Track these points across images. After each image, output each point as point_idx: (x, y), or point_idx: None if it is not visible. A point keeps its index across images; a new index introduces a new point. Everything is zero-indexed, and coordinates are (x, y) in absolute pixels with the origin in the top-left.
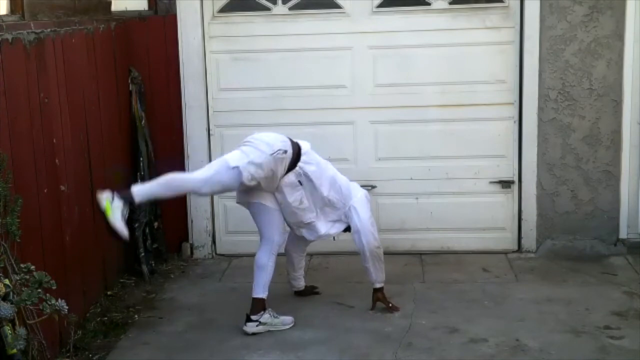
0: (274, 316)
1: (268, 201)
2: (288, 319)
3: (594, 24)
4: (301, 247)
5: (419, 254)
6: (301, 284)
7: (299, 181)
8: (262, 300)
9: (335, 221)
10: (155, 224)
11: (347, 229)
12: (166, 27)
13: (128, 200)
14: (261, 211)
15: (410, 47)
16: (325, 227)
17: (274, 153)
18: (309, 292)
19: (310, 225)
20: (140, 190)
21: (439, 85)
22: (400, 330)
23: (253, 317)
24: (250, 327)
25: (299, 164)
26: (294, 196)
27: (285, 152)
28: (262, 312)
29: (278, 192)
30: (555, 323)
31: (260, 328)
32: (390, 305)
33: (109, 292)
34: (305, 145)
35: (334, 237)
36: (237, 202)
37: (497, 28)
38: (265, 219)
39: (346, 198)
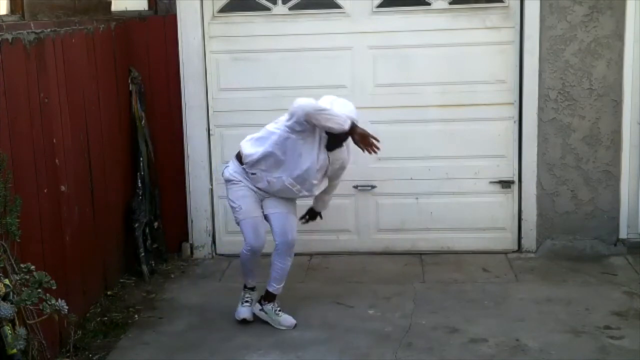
0: (275, 312)
1: (258, 212)
2: (288, 320)
3: (594, 24)
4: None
5: (419, 254)
6: (314, 204)
7: (252, 173)
8: (272, 294)
9: (309, 152)
10: (155, 224)
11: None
12: (166, 27)
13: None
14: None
15: (410, 47)
16: (307, 163)
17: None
18: (314, 213)
19: (297, 180)
20: (244, 276)
21: (439, 85)
22: (400, 330)
23: (262, 302)
24: (255, 308)
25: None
26: (262, 184)
27: (227, 166)
28: (267, 303)
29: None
30: (555, 323)
31: (262, 314)
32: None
33: (109, 292)
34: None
35: (329, 161)
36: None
37: (497, 28)
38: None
39: (284, 129)
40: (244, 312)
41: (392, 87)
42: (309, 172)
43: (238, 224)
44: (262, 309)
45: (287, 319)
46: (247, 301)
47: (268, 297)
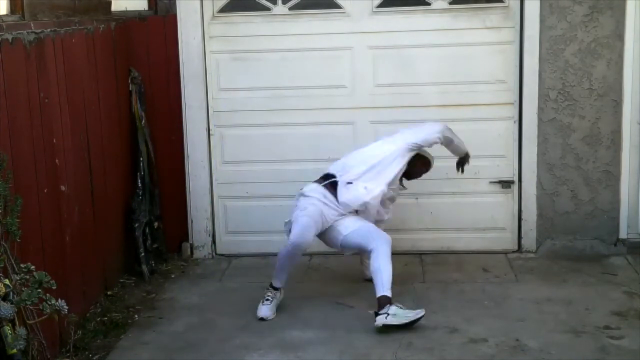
0: (400, 307)
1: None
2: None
3: (594, 24)
4: None
5: (419, 254)
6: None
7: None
8: (385, 296)
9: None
10: (155, 224)
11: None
12: (166, 27)
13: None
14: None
15: (410, 47)
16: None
17: None
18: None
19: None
20: (275, 275)
21: (439, 85)
22: (400, 330)
23: (380, 312)
24: (380, 320)
25: None
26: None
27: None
28: (389, 306)
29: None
30: (555, 323)
31: (390, 319)
32: None
33: (109, 292)
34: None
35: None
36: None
37: (497, 28)
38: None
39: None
40: (263, 310)
41: (392, 87)
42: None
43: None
44: (387, 315)
45: (415, 311)
46: (267, 299)
47: (386, 301)
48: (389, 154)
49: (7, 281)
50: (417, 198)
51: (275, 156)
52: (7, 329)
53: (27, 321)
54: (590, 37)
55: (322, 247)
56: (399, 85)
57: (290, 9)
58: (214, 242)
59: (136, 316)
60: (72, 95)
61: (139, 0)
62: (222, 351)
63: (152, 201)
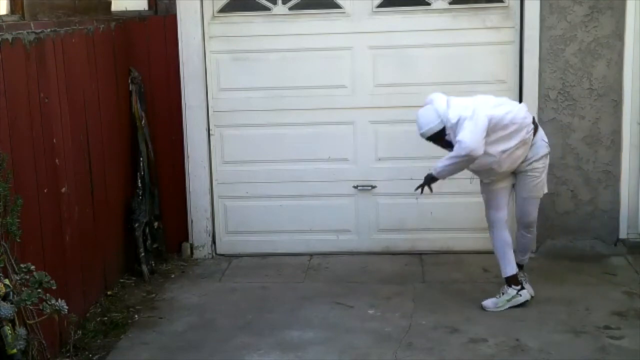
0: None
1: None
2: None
3: (594, 24)
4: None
5: (419, 254)
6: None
7: None
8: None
9: None
10: (156, 224)
11: None
12: (166, 27)
13: None
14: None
15: (410, 47)
16: None
17: None
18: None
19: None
20: None
21: (439, 85)
22: (400, 330)
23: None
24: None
25: None
26: None
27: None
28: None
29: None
30: (555, 323)
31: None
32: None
33: (109, 292)
34: None
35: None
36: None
37: (497, 28)
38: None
39: None
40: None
41: (392, 87)
42: None
43: None
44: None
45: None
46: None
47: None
48: None
49: (7, 281)
50: (417, 198)
51: (275, 156)
52: (7, 329)
53: (27, 321)
54: (590, 37)
55: (322, 247)
56: (399, 85)
57: (290, 8)
58: (214, 242)
59: (136, 316)
60: (72, 95)
61: (139, 0)
62: (222, 351)
63: (152, 201)
